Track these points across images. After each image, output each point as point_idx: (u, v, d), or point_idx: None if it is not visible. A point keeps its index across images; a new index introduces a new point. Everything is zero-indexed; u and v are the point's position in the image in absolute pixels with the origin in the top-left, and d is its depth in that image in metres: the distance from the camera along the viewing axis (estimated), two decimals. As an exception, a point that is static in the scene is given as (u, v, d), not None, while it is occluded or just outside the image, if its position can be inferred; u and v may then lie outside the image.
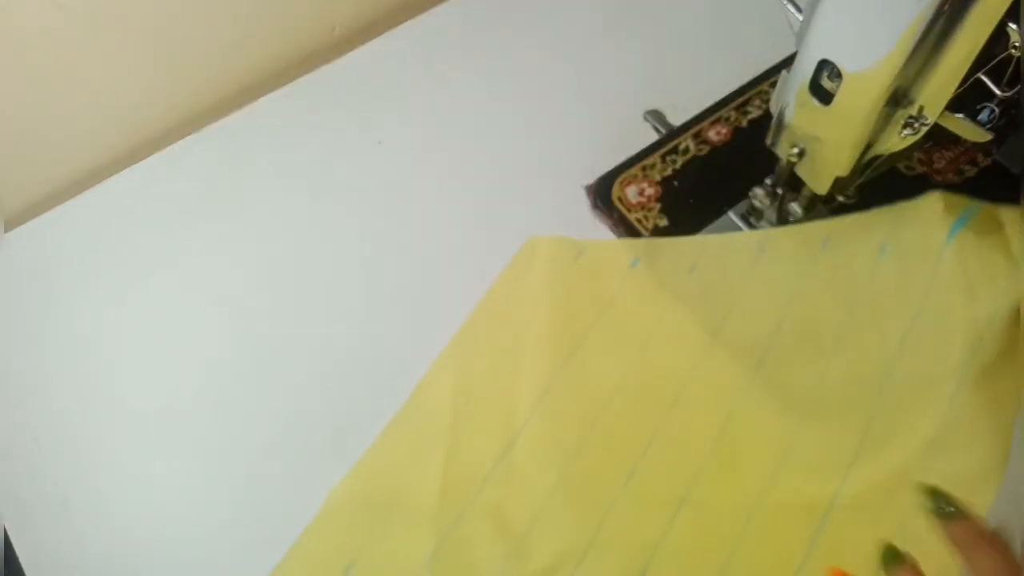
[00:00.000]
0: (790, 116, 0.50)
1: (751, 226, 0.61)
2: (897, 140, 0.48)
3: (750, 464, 0.52)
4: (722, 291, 0.58)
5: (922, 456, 0.49)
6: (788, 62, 0.48)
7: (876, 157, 0.51)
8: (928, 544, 0.37)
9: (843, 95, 0.46)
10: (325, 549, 0.52)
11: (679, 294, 0.58)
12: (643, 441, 0.53)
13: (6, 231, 0.65)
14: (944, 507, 0.39)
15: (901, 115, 0.46)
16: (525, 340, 0.57)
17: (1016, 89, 0.47)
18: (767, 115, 0.56)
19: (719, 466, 0.52)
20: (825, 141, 0.49)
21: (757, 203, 0.58)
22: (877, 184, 0.54)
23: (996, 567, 0.36)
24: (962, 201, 0.54)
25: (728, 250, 0.60)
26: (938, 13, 0.40)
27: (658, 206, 0.63)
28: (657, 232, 0.62)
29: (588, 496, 0.52)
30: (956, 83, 0.44)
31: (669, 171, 0.65)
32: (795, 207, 0.55)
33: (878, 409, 0.52)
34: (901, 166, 0.64)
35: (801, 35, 0.46)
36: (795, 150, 0.51)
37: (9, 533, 0.53)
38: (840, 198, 0.54)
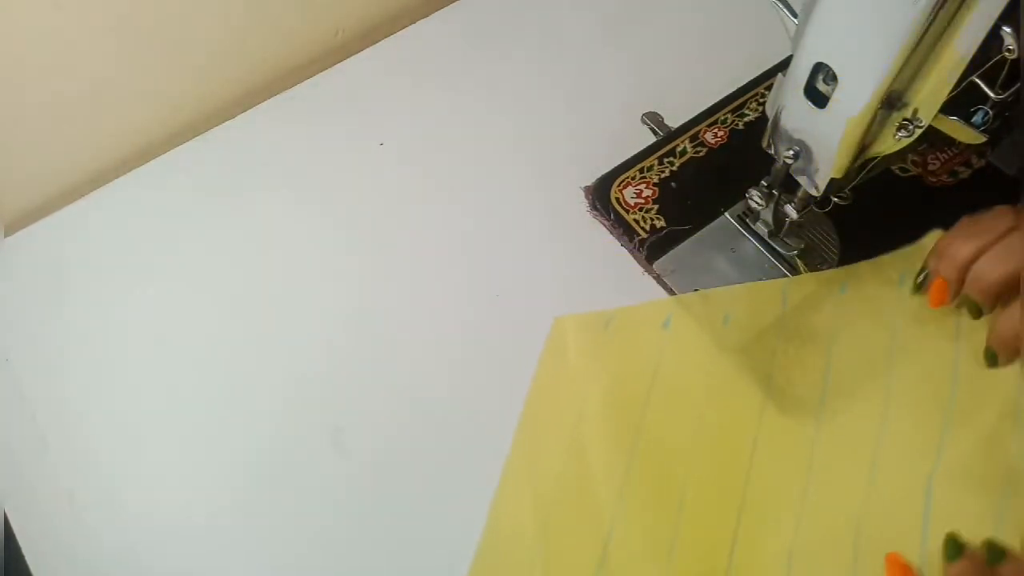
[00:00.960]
0: (786, 119, 0.51)
1: (747, 227, 0.62)
2: (891, 142, 0.48)
3: (839, 512, 0.51)
4: (761, 339, 0.57)
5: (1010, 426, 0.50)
6: (784, 65, 0.48)
7: (871, 159, 0.51)
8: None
9: (838, 98, 0.46)
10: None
11: (721, 348, 0.57)
12: (733, 510, 0.52)
13: (7, 235, 0.65)
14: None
15: (895, 118, 0.47)
16: (585, 432, 0.55)
17: (1010, 92, 0.48)
18: (763, 118, 0.56)
19: (813, 520, 0.51)
20: (820, 143, 0.50)
21: (753, 204, 0.58)
22: (872, 186, 0.55)
23: None
24: None
25: (756, 298, 0.59)
26: (932, 16, 0.40)
27: (655, 207, 0.64)
28: (655, 233, 0.62)
29: None
30: (950, 86, 0.45)
31: (666, 173, 0.65)
32: (790, 208, 0.56)
33: (951, 414, 0.52)
34: (895, 168, 0.64)
35: (796, 39, 0.46)
36: (790, 152, 0.51)
37: (15, 528, 0.54)
38: (835, 199, 0.54)
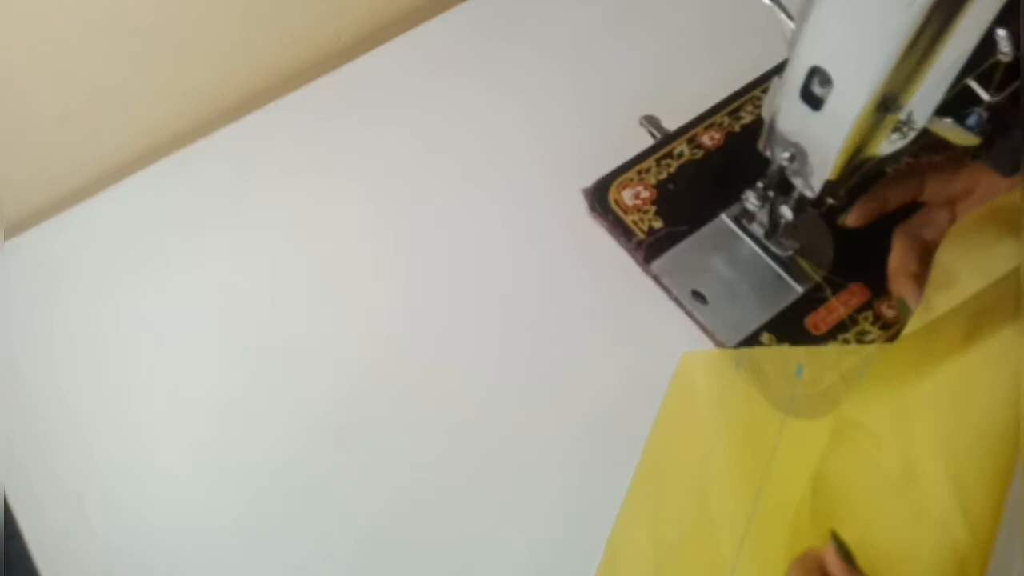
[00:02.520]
0: (781, 121, 0.51)
1: (743, 228, 0.62)
2: (886, 145, 0.49)
3: None
4: (887, 399, 0.54)
5: None
6: (780, 69, 0.49)
7: (865, 161, 0.52)
8: None
9: (833, 101, 0.46)
10: None
11: (831, 424, 0.55)
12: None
13: (9, 238, 0.65)
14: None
15: (890, 120, 0.47)
16: (711, 475, 0.54)
17: (1004, 94, 0.48)
18: (759, 120, 0.57)
19: None
20: (815, 146, 0.50)
21: (749, 206, 0.58)
22: (866, 187, 0.55)
23: None
24: None
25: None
26: (927, 20, 0.40)
27: (653, 209, 0.64)
28: (652, 233, 0.63)
29: None
30: (945, 89, 0.45)
31: (664, 175, 0.66)
32: (786, 210, 0.56)
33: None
34: (890, 170, 0.65)
35: (792, 42, 0.47)
36: (786, 154, 0.51)
37: (23, 529, 0.54)
38: (830, 201, 0.55)
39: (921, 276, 0.55)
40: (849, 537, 0.49)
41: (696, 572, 0.52)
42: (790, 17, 0.47)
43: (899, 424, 0.51)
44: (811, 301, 0.60)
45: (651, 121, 0.68)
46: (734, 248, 0.63)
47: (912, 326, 0.52)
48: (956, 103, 0.47)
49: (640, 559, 0.53)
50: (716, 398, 0.57)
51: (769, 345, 0.59)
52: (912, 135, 0.47)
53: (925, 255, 0.56)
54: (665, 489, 0.55)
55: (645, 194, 0.65)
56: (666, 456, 0.56)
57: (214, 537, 0.54)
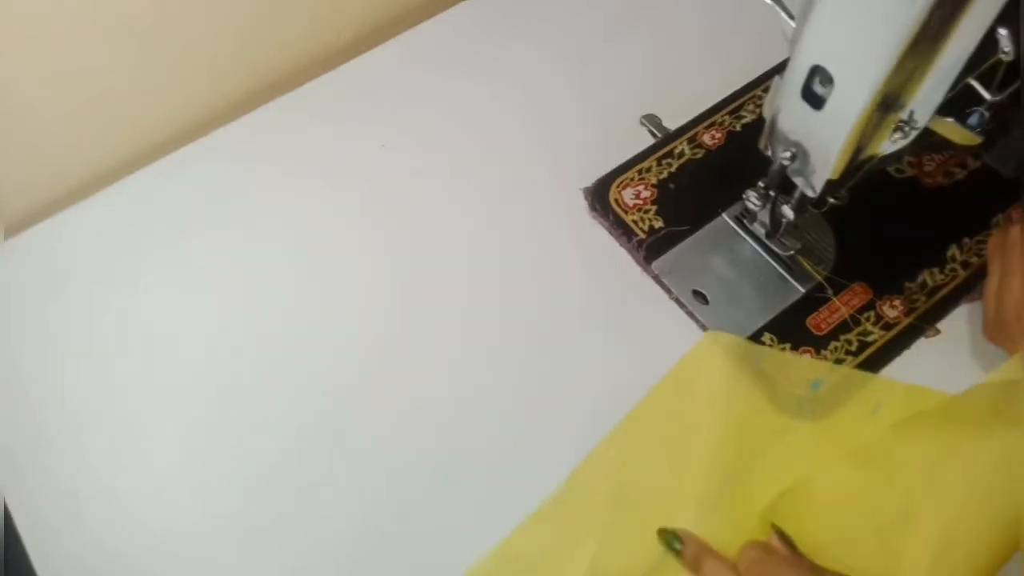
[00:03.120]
0: (782, 121, 0.51)
1: (745, 227, 0.62)
2: (888, 144, 0.49)
3: None
4: (932, 443, 0.51)
5: None
6: (781, 68, 0.49)
7: (867, 160, 0.51)
8: None
9: (834, 100, 0.46)
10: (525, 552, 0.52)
11: (865, 443, 0.53)
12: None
13: (9, 236, 0.65)
14: (675, 543, 0.50)
15: (891, 119, 0.47)
16: (693, 446, 0.54)
17: (1005, 93, 0.48)
18: (760, 119, 0.57)
19: None
20: (816, 145, 0.50)
21: (750, 205, 0.58)
22: (868, 187, 0.55)
23: (724, 572, 0.47)
24: None
25: (918, 401, 0.55)
26: (929, 19, 0.40)
27: (654, 208, 0.64)
28: (653, 233, 0.63)
29: None
30: (946, 88, 0.45)
31: (664, 174, 0.66)
32: (787, 209, 0.56)
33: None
34: (891, 169, 0.65)
35: (794, 41, 0.47)
36: (787, 154, 0.51)
37: (21, 529, 0.54)
38: (831, 200, 0.55)
39: None
40: (803, 541, 0.49)
41: (646, 522, 0.52)
42: (791, 16, 0.47)
43: (927, 472, 0.50)
44: (813, 301, 0.60)
45: (651, 120, 0.68)
46: (735, 248, 0.62)
47: (1002, 374, 0.51)
48: (957, 102, 0.47)
49: (596, 495, 0.54)
50: (727, 380, 0.57)
51: (771, 345, 0.58)
52: (913, 134, 0.47)
53: None
54: (646, 442, 0.55)
55: (646, 194, 0.65)
56: (657, 415, 0.56)
57: (211, 536, 0.54)
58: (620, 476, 0.54)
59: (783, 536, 0.49)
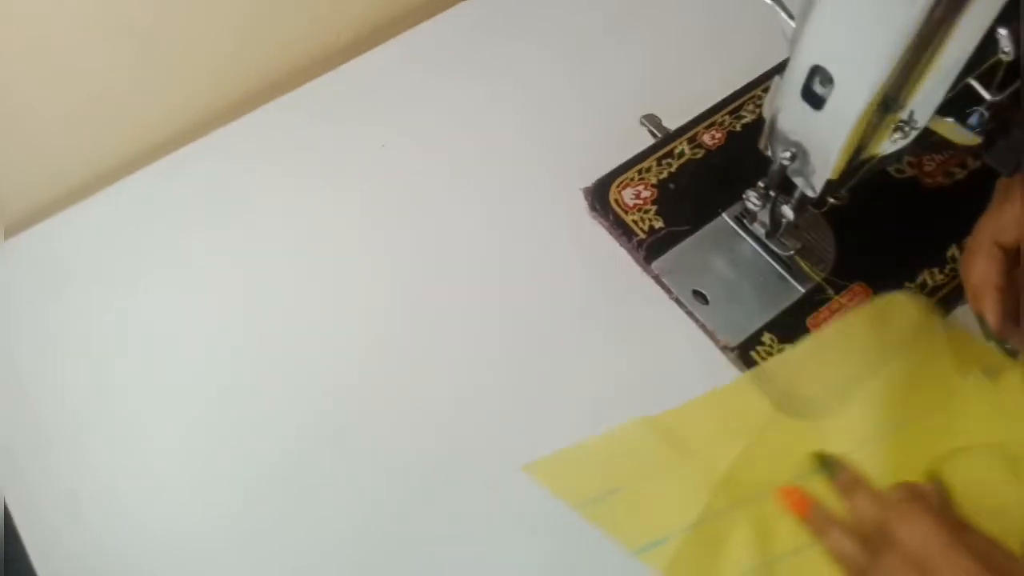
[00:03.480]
0: (782, 121, 0.51)
1: (745, 227, 0.62)
2: (887, 144, 0.49)
3: None
4: None
5: None
6: (781, 68, 0.49)
7: (867, 160, 0.51)
8: None
9: (834, 100, 0.46)
10: (606, 462, 0.54)
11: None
12: None
13: (9, 236, 0.65)
14: (830, 467, 0.51)
15: (891, 120, 0.47)
16: (869, 382, 0.54)
17: (1005, 93, 0.48)
18: (760, 119, 0.57)
19: None
20: (816, 145, 0.50)
21: (750, 205, 0.58)
22: (867, 187, 0.55)
23: (871, 503, 0.47)
24: None
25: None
26: (928, 19, 0.40)
27: (654, 208, 0.64)
28: (653, 233, 0.63)
29: None
30: (946, 88, 0.45)
31: (664, 174, 0.66)
32: (787, 209, 0.56)
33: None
34: (891, 169, 0.65)
35: (794, 41, 0.47)
36: (787, 154, 0.51)
37: (20, 529, 0.54)
38: (831, 200, 0.55)
39: (1005, 290, 0.52)
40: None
41: (794, 442, 0.53)
42: (791, 16, 0.47)
43: None
44: (812, 301, 0.60)
45: (651, 120, 0.68)
46: (735, 248, 0.62)
47: None
48: (957, 102, 0.47)
49: (757, 404, 0.55)
50: (917, 330, 0.57)
51: (770, 345, 0.58)
52: (913, 134, 0.47)
53: (1011, 265, 0.52)
54: (824, 362, 0.56)
55: (646, 194, 0.65)
56: (843, 340, 0.57)
57: (211, 536, 0.54)
58: (786, 394, 0.55)
59: (938, 486, 0.49)
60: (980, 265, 0.52)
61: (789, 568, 0.51)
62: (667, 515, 0.53)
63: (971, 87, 0.47)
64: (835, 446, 0.53)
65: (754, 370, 0.57)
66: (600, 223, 0.65)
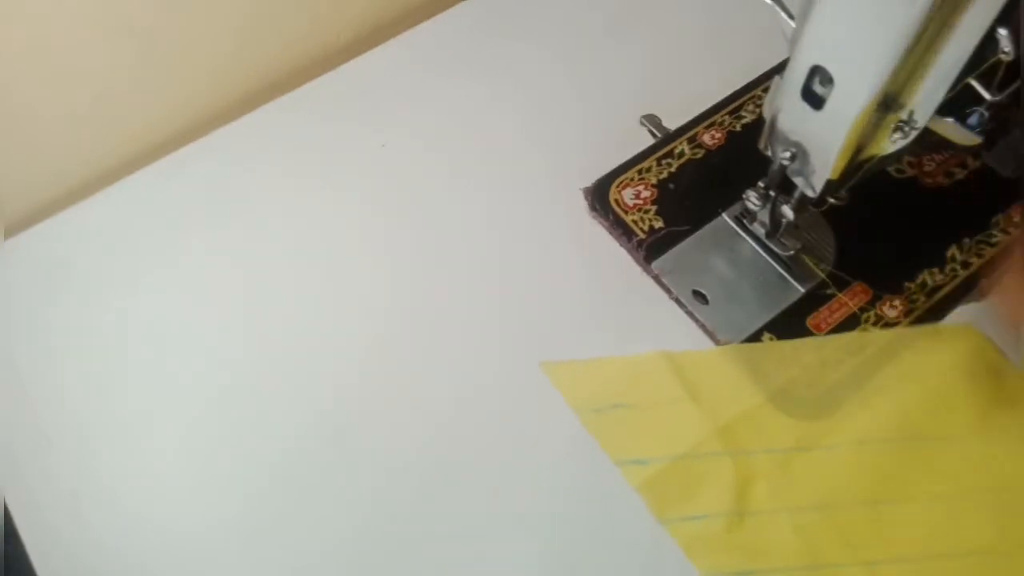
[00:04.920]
0: (782, 121, 0.51)
1: (745, 227, 0.62)
2: (887, 144, 0.49)
3: None
4: None
5: None
6: (781, 68, 0.49)
7: (867, 160, 0.51)
8: None
9: (834, 100, 0.46)
10: (618, 380, 0.56)
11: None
12: None
13: (9, 236, 0.65)
14: None
15: (891, 120, 0.47)
16: (889, 386, 0.56)
17: (1006, 93, 0.48)
18: (760, 119, 0.57)
19: None
20: (816, 145, 0.50)
21: (750, 205, 0.58)
22: (868, 187, 0.55)
23: None
24: None
25: None
26: (929, 19, 0.40)
27: (654, 208, 0.64)
28: (653, 233, 0.63)
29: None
30: (946, 88, 0.45)
31: (664, 174, 0.66)
32: (787, 209, 0.56)
33: None
34: (891, 169, 0.65)
35: (793, 41, 0.47)
36: (787, 154, 0.51)
37: (21, 529, 0.54)
38: (831, 200, 0.55)
39: None
40: None
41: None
42: (791, 16, 0.47)
43: None
44: (813, 301, 0.60)
45: (651, 120, 0.68)
46: (735, 248, 0.62)
47: None
48: (957, 102, 0.47)
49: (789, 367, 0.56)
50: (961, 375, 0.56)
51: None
52: (913, 134, 0.47)
53: None
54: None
55: (645, 194, 0.65)
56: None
57: (211, 536, 0.54)
58: (813, 368, 0.57)
59: None
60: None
61: (759, 524, 0.52)
62: (658, 441, 0.54)
63: (971, 87, 0.47)
64: (843, 433, 0.54)
65: (785, 342, 0.58)
66: (600, 223, 0.65)
